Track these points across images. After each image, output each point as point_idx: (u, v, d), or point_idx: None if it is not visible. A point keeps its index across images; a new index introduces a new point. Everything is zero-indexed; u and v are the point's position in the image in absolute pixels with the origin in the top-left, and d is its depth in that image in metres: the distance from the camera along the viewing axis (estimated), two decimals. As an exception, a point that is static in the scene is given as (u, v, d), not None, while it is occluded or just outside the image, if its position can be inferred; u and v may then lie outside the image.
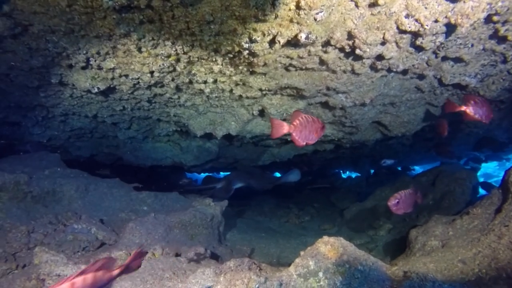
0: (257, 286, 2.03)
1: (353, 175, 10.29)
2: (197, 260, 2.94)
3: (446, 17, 2.31)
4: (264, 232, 5.44)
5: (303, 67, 3.13)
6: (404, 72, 3.36)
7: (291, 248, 4.70)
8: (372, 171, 9.45)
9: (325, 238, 2.34)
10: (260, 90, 3.52)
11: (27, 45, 2.68)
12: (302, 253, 2.30)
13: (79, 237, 3.04)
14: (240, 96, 3.70)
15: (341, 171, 10.90)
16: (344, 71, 3.19)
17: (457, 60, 3.14)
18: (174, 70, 3.15)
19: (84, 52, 2.79)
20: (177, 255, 2.98)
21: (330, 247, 2.27)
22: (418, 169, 11.06)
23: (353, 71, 3.15)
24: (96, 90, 3.34)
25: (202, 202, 4.41)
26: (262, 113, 4.21)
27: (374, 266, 2.24)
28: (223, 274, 2.21)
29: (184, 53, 2.79)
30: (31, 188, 3.46)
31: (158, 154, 6.05)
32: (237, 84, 3.50)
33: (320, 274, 2.13)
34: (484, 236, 2.47)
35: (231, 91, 3.63)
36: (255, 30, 2.37)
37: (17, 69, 3.12)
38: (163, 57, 2.89)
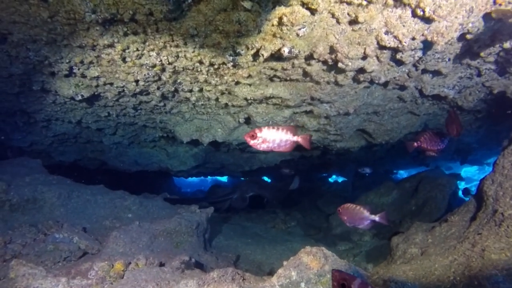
0: (239, 298, 2.04)
1: (340, 179, 10.43)
2: (181, 270, 2.92)
3: (422, 35, 2.40)
4: (250, 238, 5.45)
5: (288, 78, 3.18)
6: (386, 83, 3.46)
7: (277, 254, 4.73)
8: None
9: (308, 248, 2.37)
10: (246, 99, 3.55)
11: (6, 52, 2.62)
12: (285, 263, 2.34)
13: (60, 247, 2.97)
14: (226, 104, 3.72)
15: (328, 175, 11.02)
16: (328, 82, 3.27)
17: (436, 72, 3.26)
18: (160, 79, 3.15)
19: (67, 61, 2.76)
20: (162, 264, 2.96)
21: (312, 257, 2.31)
22: (403, 173, 11.34)
23: (336, 83, 3.22)
24: (79, 97, 3.29)
25: (187, 209, 4.39)
26: (248, 120, 4.24)
27: (355, 275, 2.29)
28: (206, 285, 2.22)
29: (169, 63, 2.79)
30: (9, 196, 3.37)
31: (144, 160, 5.99)
32: (222, 93, 3.52)
33: (302, 284, 2.17)
34: (460, 244, 2.57)
35: (217, 99, 3.65)
36: (238, 43, 2.41)
37: (-4, 76, 3.05)
38: (148, 67, 2.88)
